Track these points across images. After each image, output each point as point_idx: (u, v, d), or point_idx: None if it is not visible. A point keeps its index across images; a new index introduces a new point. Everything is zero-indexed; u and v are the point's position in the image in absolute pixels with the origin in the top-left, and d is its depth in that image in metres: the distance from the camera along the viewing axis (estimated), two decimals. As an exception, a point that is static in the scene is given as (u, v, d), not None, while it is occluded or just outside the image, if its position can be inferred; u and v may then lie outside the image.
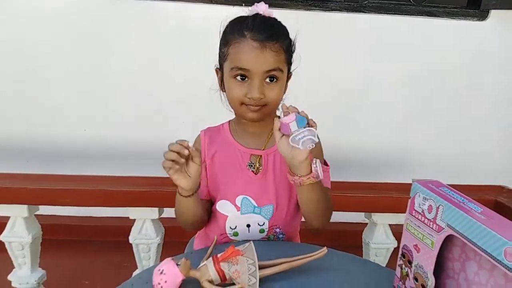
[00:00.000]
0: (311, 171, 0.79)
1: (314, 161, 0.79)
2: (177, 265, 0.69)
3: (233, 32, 0.84)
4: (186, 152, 0.75)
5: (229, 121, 0.99)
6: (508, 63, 2.05)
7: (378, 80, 2.04)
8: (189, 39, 1.92)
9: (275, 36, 0.82)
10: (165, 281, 0.67)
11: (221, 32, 0.88)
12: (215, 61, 0.93)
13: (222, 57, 0.88)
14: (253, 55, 0.81)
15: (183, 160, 0.76)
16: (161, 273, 0.68)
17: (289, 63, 0.88)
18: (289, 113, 0.77)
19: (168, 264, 0.69)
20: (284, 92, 0.93)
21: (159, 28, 1.93)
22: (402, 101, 2.08)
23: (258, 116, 0.86)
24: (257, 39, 0.81)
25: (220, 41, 0.88)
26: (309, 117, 0.78)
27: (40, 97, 1.98)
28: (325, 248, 0.78)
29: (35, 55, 1.92)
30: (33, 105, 1.99)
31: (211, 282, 0.69)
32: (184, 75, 1.95)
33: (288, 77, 0.92)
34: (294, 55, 0.91)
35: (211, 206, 0.97)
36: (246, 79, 0.83)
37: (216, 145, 0.94)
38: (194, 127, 1.00)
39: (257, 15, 0.86)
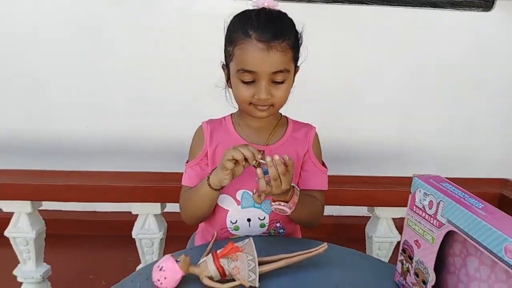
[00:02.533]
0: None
1: (277, 203, 0.81)
2: (177, 261, 0.69)
3: (238, 30, 0.81)
4: (258, 156, 0.77)
5: (231, 114, 0.98)
6: (513, 54, 2.02)
7: (381, 72, 2.02)
8: (191, 34, 1.90)
9: (281, 34, 0.79)
10: (165, 278, 0.68)
11: (225, 29, 0.86)
12: (218, 56, 0.91)
13: (228, 56, 0.86)
14: (259, 57, 0.79)
15: (246, 164, 0.78)
16: (161, 269, 0.68)
17: (296, 59, 0.86)
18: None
19: (167, 261, 0.69)
20: (291, 86, 0.92)
21: (160, 23, 1.92)
22: (405, 93, 2.06)
23: (267, 114, 0.87)
24: (263, 39, 0.78)
25: (225, 38, 0.86)
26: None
27: (41, 94, 1.98)
28: (325, 244, 0.77)
29: (35, 51, 1.92)
30: (35, 102, 1.99)
31: (210, 278, 0.69)
32: (186, 70, 1.94)
33: (296, 71, 0.90)
34: (302, 48, 0.89)
35: None
36: (253, 80, 0.82)
37: (218, 138, 0.93)
38: (195, 123, 0.99)
39: (261, 10, 0.82)
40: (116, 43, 1.93)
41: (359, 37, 1.96)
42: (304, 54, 0.91)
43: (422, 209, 0.66)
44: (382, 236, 1.43)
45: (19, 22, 1.88)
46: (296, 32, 0.86)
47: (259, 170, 0.76)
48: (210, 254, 0.71)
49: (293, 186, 0.81)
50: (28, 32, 1.90)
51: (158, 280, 0.67)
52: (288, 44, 0.81)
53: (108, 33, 1.91)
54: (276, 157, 0.73)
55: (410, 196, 0.69)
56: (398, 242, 1.45)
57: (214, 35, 0.91)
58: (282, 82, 0.83)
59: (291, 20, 0.87)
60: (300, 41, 0.87)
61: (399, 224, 1.46)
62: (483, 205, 0.58)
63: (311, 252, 0.76)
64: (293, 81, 0.91)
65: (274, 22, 0.80)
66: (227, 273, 0.69)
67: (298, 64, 0.91)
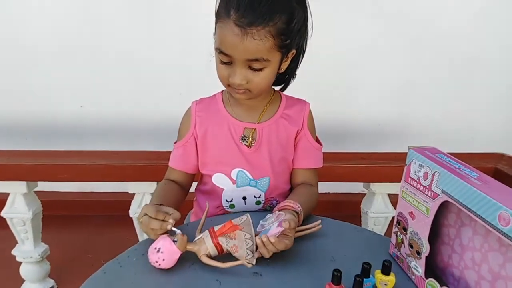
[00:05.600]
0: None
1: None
2: (174, 241, 0.68)
3: (223, 5, 0.75)
4: (168, 227, 0.70)
5: (222, 91, 0.95)
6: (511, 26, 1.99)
7: (377, 47, 1.98)
8: (185, 8, 1.86)
9: (262, 20, 0.71)
10: (163, 259, 0.67)
11: None
12: (212, 30, 0.88)
13: (214, 29, 0.81)
14: (233, 42, 0.73)
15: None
16: (158, 251, 0.67)
17: (282, 46, 0.76)
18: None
19: (164, 242, 0.68)
20: (293, 70, 0.89)
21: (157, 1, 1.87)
22: (401, 69, 2.03)
23: (245, 98, 0.84)
24: (239, 24, 0.71)
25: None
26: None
27: (36, 74, 1.94)
28: (319, 221, 0.80)
29: (29, 30, 1.87)
30: (28, 82, 1.96)
31: (209, 255, 0.69)
32: (180, 46, 1.91)
33: (289, 56, 0.83)
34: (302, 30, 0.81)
35: (192, 177, 0.98)
36: (230, 62, 0.78)
37: (208, 118, 0.91)
38: (191, 99, 0.97)
39: None
40: (110, 21, 1.88)
41: (355, 11, 1.92)
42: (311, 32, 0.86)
43: (417, 180, 0.65)
44: (377, 211, 1.44)
45: (10, 2, 1.83)
46: (291, 15, 0.75)
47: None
48: (207, 231, 0.70)
49: (297, 213, 0.78)
50: (23, 11, 1.85)
51: (156, 261, 0.67)
52: (270, 32, 0.73)
53: (101, 11, 1.86)
54: (264, 238, 0.67)
55: (405, 168, 0.69)
56: (393, 217, 1.47)
57: (209, 9, 0.88)
58: (260, 69, 0.77)
59: (286, 1, 0.75)
60: (295, 26, 0.77)
61: (394, 200, 1.47)
62: (478, 175, 0.58)
63: (306, 229, 0.78)
64: (299, 62, 0.88)
65: (259, 5, 0.71)
66: (225, 250, 0.69)
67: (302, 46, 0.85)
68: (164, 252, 0.67)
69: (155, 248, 0.67)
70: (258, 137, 0.90)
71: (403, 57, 2.01)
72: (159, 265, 0.67)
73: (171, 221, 0.69)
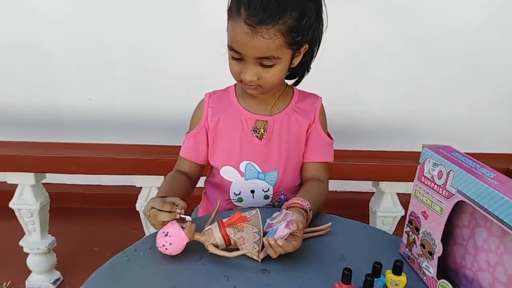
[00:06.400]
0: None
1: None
2: (182, 228, 0.68)
3: (234, 2, 0.75)
4: (178, 211, 0.70)
5: (235, 84, 0.95)
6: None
7: (386, 44, 1.95)
8: (193, 2, 1.85)
9: (272, 18, 0.71)
10: (170, 244, 0.67)
11: None
12: (221, 23, 0.86)
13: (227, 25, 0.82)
14: (243, 41, 0.73)
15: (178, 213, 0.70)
16: (166, 235, 0.67)
17: (292, 43, 0.76)
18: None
19: (173, 227, 0.68)
20: (307, 64, 0.88)
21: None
22: (411, 67, 2.00)
23: (256, 93, 0.84)
24: (249, 22, 0.71)
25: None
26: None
27: (44, 66, 1.94)
28: (329, 224, 0.80)
29: (36, 24, 1.87)
30: (37, 74, 1.96)
31: (216, 246, 0.68)
32: (188, 41, 1.90)
33: (299, 52, 0.82)
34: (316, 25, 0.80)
35: (202, 168, 0.98)
36: (242, 58, 0.78)
37: (220, 109, 0.92)
38: (198, 95, 0.97)
39: None
40: (117, 13, 1.87)
41: (364, 8, 1.89)
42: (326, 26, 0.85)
43: (431, 179, 0.64)
44: (386, 210, 1.43)
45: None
46: (302, 11, 0.75)
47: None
48: (216, 223, 0.70)
49: (306, 211, 0.77)
50: (31, 4, 1.84)
51: (163, 245, 0.67)
52: (280, 30, 0.72)
53: (112, 5, 1.85)
54: (272, 241, 0.65)
55: (418, 166, 0.67)
56: (402, 217, 1.45)
57: (219, 1, 0.87)
58: (271, 66, 0.77)
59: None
60: (306, 22, 0.76)
61: (403, 199, 1.46)
62: (494, 175, 0.56)
63: (314, 231, 0.78)
64: (314, 55, 0.88)
65: (269, 3, 0.71)
66: (232, 242, 0.69)
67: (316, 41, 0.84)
68: (172, 236, 0.67)
69: (163, 232, 0.68)
70: (269, 129, 0.90)
71: (411, 56, 1.98)
72: (166, 249, 0.67)
73: (178, 210, 0.70)
